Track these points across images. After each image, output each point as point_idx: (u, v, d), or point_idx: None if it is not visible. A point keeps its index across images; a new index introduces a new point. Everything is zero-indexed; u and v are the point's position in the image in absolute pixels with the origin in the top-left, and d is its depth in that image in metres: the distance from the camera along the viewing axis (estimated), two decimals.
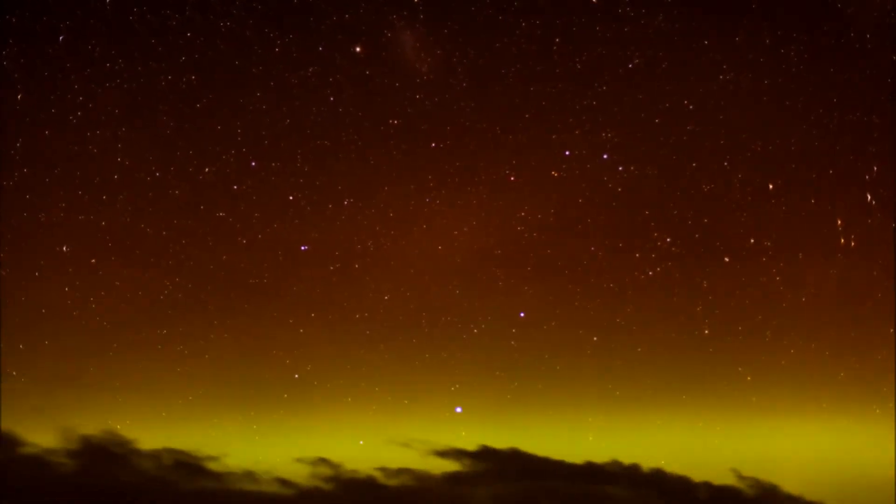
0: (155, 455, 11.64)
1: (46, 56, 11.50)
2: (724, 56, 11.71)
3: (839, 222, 11.94)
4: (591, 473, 11.87)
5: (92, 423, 11.85)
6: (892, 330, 11.94)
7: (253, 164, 11.94)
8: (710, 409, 12.02)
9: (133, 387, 12.03)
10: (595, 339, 12.03)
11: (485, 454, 11.96)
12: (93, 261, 11.96)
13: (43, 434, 11.33)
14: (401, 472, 11.90)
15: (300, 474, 11.79)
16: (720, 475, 11.88)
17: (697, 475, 11.90)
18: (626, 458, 11.93)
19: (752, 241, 11.96)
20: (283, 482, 11.75)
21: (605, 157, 11.88)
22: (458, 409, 12.04)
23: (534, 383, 12.06)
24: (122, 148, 11.82)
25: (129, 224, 11.99)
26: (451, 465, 11.95)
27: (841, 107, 11.87)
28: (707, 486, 11.84)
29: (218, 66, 11.70)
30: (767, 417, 11.96)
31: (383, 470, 11.89)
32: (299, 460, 11.84)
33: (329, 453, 12.09)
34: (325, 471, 11.88)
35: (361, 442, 12.10)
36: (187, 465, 11.63)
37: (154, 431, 11.96)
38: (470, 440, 11.96)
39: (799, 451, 11.97)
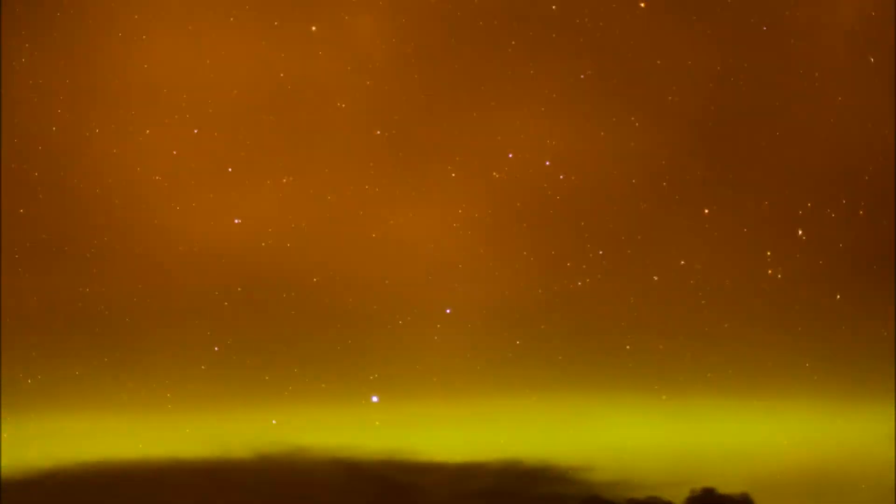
0: None
1: None
2: (674, 78, 11.90)
3: (769, 254, 12.13)
4: None
5: None
6: (807, 364, 12.18)
7: (195, 131, 11.85)
8: (622, 425, 12.11)
9: (49, 336, 11.85)
10: (518, 342, 12.06)
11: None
12: (21, 210, 11.80)
13: None
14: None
15: None
16: None
17: None
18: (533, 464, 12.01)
19: (682, 262, 12.10)
20: None
21: (547, 163, 11.97)
22: (375, 399, 12.01)
23: (452, 381, 12.03)
24: (64, 100, 11.72)
25: (63, 178, 11.85)
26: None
27: (782, 141, 12.10)
28: None
29: (169, 30, 11.63)
30: None
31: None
32: None
33: (241, 429, 12.08)
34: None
35: (274, 421, 12.04)
36: None
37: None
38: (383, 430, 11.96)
39: (705, 475, 12.10)
